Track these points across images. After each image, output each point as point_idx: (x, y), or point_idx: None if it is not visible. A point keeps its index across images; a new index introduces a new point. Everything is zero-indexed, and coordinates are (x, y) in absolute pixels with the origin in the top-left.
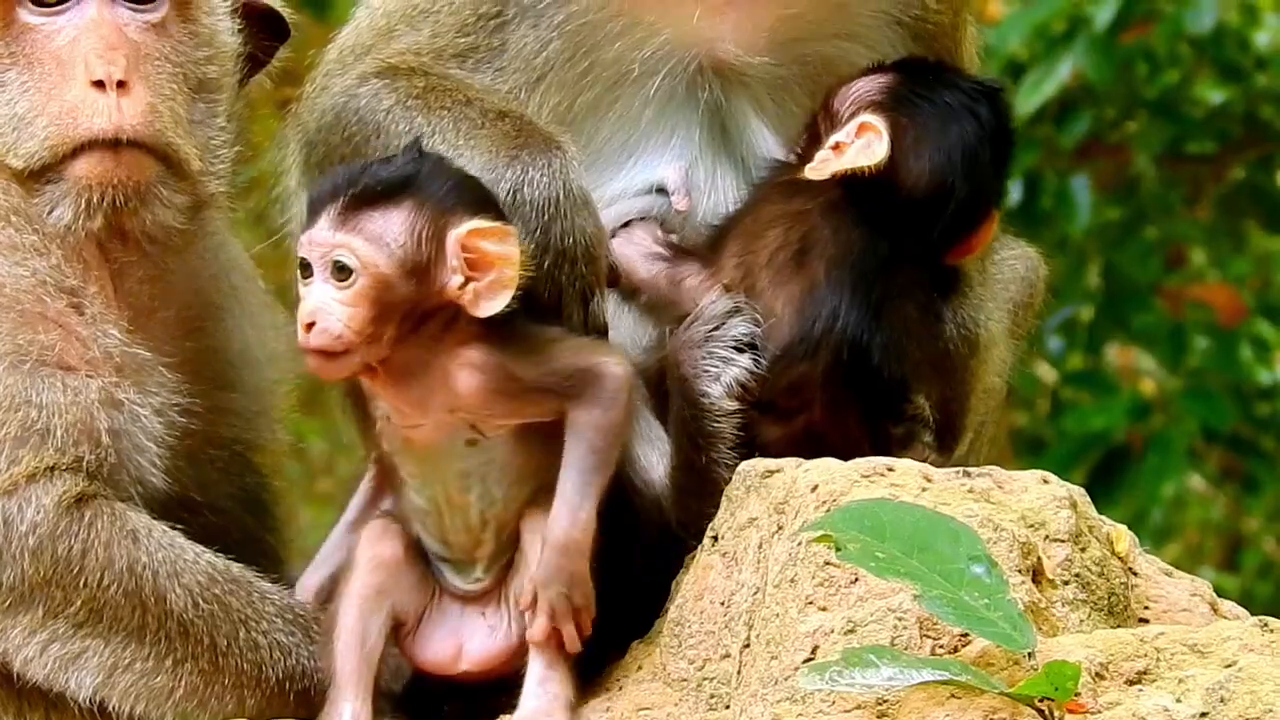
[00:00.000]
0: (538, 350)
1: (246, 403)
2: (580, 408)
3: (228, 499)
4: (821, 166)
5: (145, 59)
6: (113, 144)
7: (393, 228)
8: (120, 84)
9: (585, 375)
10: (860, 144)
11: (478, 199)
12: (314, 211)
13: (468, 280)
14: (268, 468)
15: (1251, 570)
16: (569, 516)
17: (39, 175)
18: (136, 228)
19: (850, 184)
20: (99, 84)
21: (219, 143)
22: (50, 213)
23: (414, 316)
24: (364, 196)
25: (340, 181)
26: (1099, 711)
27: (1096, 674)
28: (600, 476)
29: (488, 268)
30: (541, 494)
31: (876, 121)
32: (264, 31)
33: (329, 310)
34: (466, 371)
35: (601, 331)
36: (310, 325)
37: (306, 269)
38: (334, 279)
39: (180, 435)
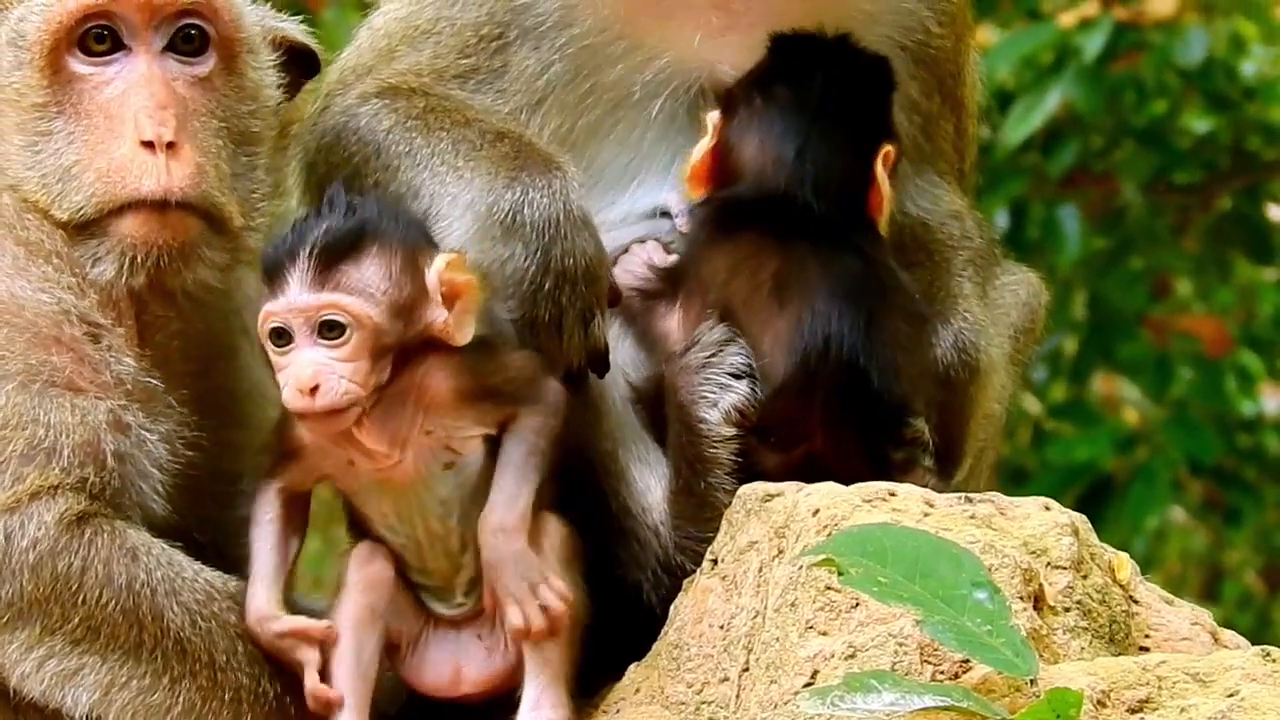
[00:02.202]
0: (494, 355)
1: (254, 439)
2: (528, 411)
3: (229, 533)
4: (687, 179)
5: (193, 115)
6: (160, 205)
7: (373, 276)
8: (169, 145)
9: (534, 382)
10: (699, 144)
11: (424, 229)
12: (275, 279)
13: (447, 313)
14: None
15: (1232, 602)
16: (505, 505)
17: (83, 229)
18: (177, 286)
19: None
20: (148, 144)
21: (259, 195)
22: (92, 266)
23: (401, 356)
24: (331, 253)
25: (294, 243)
26: None
27: (1098, 702)
28: (538, 477)
29: (458, 297)
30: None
31: (712, 116)
32: (297, 68)
33: (330, 370)
34: (437, 376)
35: (603, 353)
36: (313, 390)
37: (283, 336)
38: (324, 339)
39: (185, 467)
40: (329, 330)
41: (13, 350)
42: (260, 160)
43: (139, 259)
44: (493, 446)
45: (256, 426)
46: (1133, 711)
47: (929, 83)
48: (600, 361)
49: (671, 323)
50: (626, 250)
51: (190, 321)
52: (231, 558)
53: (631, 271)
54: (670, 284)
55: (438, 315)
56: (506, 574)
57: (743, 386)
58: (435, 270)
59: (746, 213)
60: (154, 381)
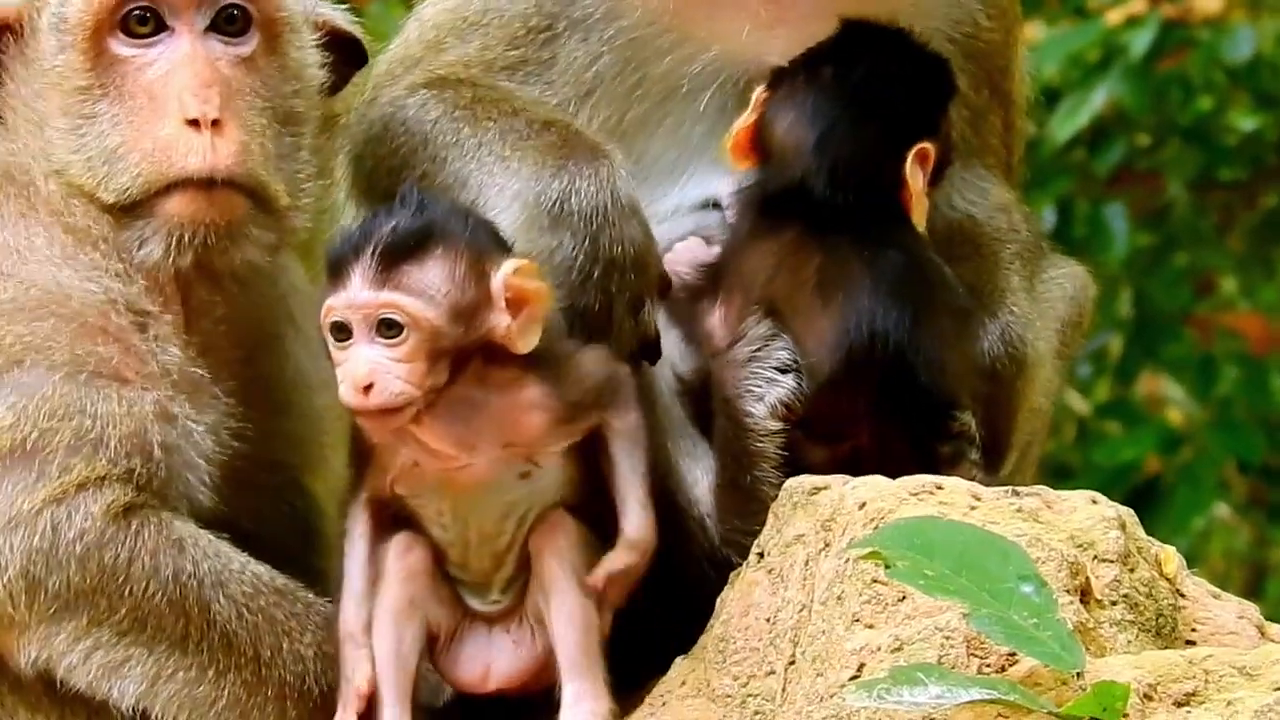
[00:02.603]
0: (572, 369)
1: (299, 427)
2: (617, 415)
3: (275, 522)
4: (729, 151)
5: (236, 94)
6: (206, 184)
7: (435, 278)
8: (215, 123)
9: (612, 382)
10: (742, 117)
11: (495, 234)
12: (339, 274)
13: (511, 319)
14: (317, 492)
15: (1276, 599)
16: (647, 519)
17: (129, 210)
18: (225, 266)
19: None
20: (193, 123)
21: (304, 176)
22: (139, 249)
23: (461, 360)
24: (395, 252)
25: (359, 240)
26: None
27: (1145, 695)
28: (648, 475)
29: (525, 304)
30: (546, 513)
31: (759, 90)
32: (342, 57)
33: (386, 369)
34: (533, 414)
35: (653, 341)
36: (368, 388)
37: (343, 331)
38: (382, 337)
39: (231, 457)
40: (387, 329)
41: (59, 341)
42: (305, 141)
43: (186, 238)
44: (570, 447)
45: (301, 415)
46: (1179, 705)
47: (977, 76)
48: (651, 349)
49: (714, 320)
50: (669, 249)
51: (236, 306)
52: (278, 547)
53: (675, 272)
54: (711, 281)
55: (500, 321)
56: (626, 589)
57: (789, 381)
58: (501, 276)
59: (787, 208)
60: (200, 371)
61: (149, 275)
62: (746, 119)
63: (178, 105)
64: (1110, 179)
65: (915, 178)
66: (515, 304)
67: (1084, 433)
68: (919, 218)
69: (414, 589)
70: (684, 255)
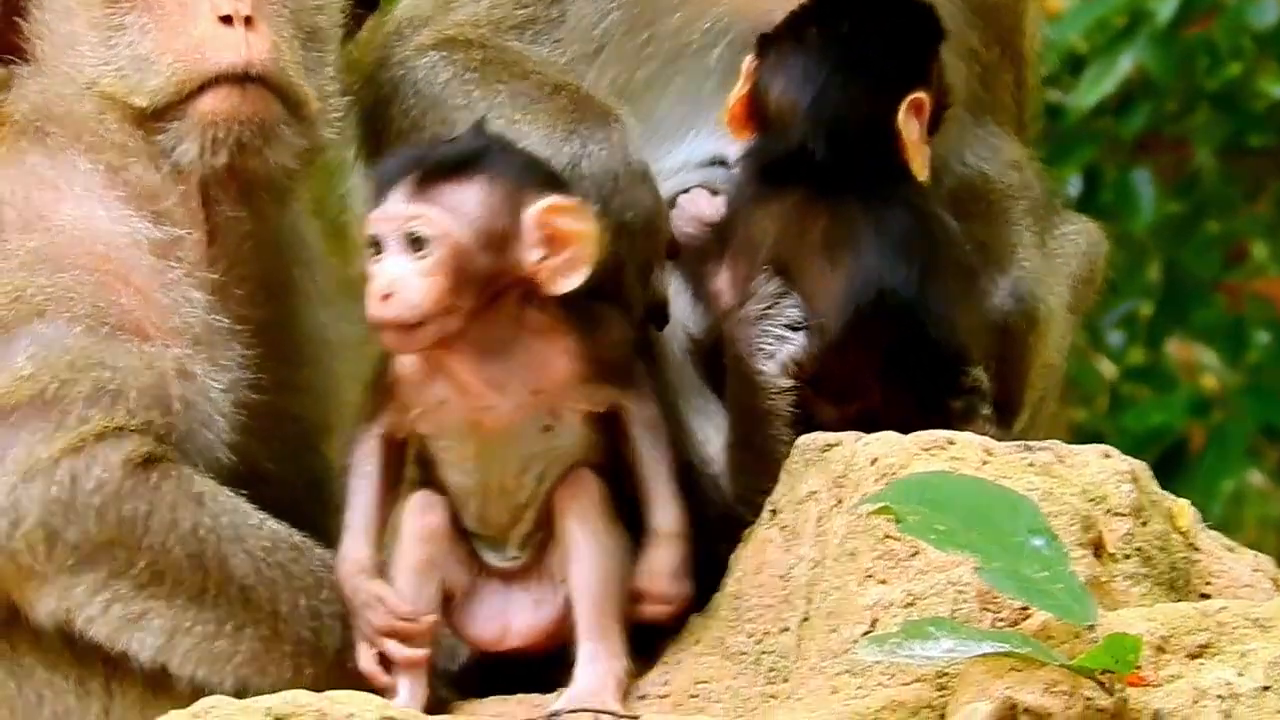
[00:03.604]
0: (607, 332)
1: (315, 379)
2: (637, 401)
3: (289, 478)
4: (726, 122)
5: (264, 1)
6: (240, 79)
7: (469, 199)
8: (247, 20)
9: (634, 362)
10: (734, 89)
11: (549, 176)
12: (383, 189)
13: (544, 257)
14: (332, 450)
15: None
16: (678, 510)
17: (162, 113)
18: (258, 168)
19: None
20: (226, 19)
21: (330, 90)
22: (174, 150)
23: (489, 291)
24: (437, 170)
25: (409, 159)
26: (1160, 684)
27: (1158, 647)
28: (673, 465)
29: (563, 244)
30: (569, 472)
31: (748, 59)
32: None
33: (406, 282)
34: (564, 360)
35: (661, 306)
36: (387, 297)
37: (377, 245)
38: (410, 251)
39: (249, 410)
40: (414, 242)
41: (81, 293)
42: (329, 58)
43: (221, 136)
44: (592, 420)
45: (318, 368)
46: (1193, 657)
47: (988, 33)
48: (660, 314)
49: (721, 282)
50: (673, 204)
51: (260, 228)
52: (292, 504)
53: (679, 228)
54: (718, 242)
55: (530, 255)
56: (685, 580)
57: (799, 338)
58: (534, 210)
59: (790, 169)
60: (221, 320)
61: (178, 187)
62: (739, 89)
63: (209, 4)
64: (1137, 146)
65: (909, 128)
66: (553, 242)
67: (1116, 400)
68: (920, 169)
69: (433, 548)
70: (689, 209)
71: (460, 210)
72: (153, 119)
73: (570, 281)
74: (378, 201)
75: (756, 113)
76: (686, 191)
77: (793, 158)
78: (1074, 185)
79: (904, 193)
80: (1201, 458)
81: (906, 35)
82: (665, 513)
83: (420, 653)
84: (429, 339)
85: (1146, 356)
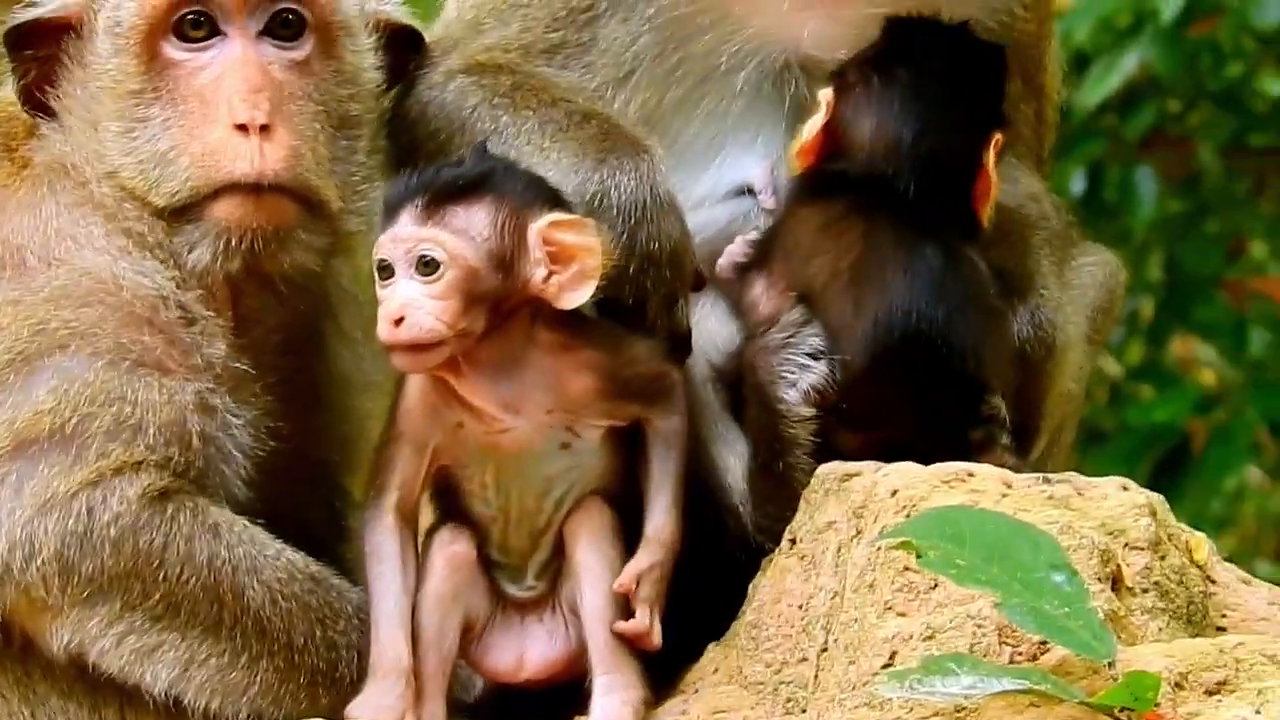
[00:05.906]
0: (628, 350)
1: (339, 426)
2: (663, 415)
3: (310, 515)
4: (796, 154)
5: (289, 99)
6: (254, 188)
7: (477, 221)
8: (263, 128)
9: (663, 379)
10: (811, 120)
11: (552, 195)
12: (392, 212)
13: (550, 273)
14: (355, 491)
15: None
16: (677, 519)
17: (180, 214)
18: (274, 270)
19: (838, 175)
20: (241, 128)
21: (359, 179)
22: (189, 253)
23: (500, 311)
24: (444, 193)
25: (415, 182)
26: None
27: (1176, 684)
28: (683, 479)
29: (569, 260)
30: (584, 499)
31: (825, 93)
32: (399, 48)
33: (418, 305)
34: (581, 376)
35: (685, 336)
36: (399, 321)
37: (387, 270)
38: (420, 274)
39: (269, 452)
40: (425, 265)
41: (105, 328)
42: (361, 144)
43: (234, 242)
44: (610, 430)
45: (341, 413)
46: (1210, 694)
47: (1011, 67)
48: (683, 345)
49: (758, 291)
50: (706, 241)
51: (288, 310)
52: (311, 537)
53: (724, 273)
54: (759, 254)
55: (537, 273)
56: (660, 587)
57: (821, 367)
58: (538, 226)
59: (835, 190)
60: (244, 367)
61: (202, 281)
62: (818, 122)
63: (227, 110)
64: (1141, 143)
65: (992, 168)
66: (559, 258)
67: (1117, 395)
68: (989, 207)
69: (459, 578)
70: (734, 258)
71: (469, 232)
72: (171, 217)
73: (578, 296)
74: (386, 225)
75: (832, 145)
76: (721, 231)
77: (845, 181)
78: (1078, 183)
79: (944, 230)
80: (1204, 454)
81: (990, 74)
82: (656, 521)
83: None
84: (439, 360)
85: (1147, 353)
